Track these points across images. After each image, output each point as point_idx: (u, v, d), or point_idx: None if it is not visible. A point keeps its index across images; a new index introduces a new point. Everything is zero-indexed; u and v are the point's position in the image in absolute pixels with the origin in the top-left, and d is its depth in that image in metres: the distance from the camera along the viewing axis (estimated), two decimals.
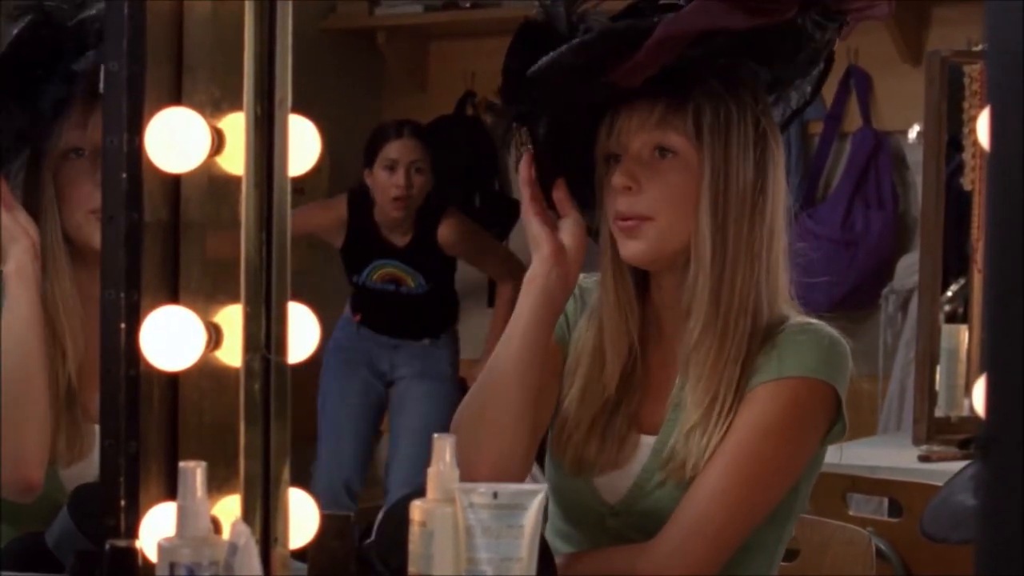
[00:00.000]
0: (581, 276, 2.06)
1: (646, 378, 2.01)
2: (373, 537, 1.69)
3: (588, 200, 2.01)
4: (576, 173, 1.99)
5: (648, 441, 1.97)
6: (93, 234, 2.03)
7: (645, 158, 1.93)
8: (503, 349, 1.95)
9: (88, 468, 2.04)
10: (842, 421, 1.94)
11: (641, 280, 2.01)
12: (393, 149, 4.70)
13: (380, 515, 1.70)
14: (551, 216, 1.98)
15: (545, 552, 1.60)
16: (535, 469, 2.20)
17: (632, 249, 1.94)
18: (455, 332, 5.01)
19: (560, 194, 1.97)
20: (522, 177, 1.97)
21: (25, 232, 1.99)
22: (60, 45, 1.99)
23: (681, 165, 1.92)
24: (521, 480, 1.94)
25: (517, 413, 1.93)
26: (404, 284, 4.81)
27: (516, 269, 5.07)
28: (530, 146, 1.97)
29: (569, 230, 1.97)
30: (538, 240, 1.96)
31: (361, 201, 4.79)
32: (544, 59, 1.87)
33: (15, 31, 1.95)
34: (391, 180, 4.68)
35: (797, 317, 1.96)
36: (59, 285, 2.06)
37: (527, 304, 1.95)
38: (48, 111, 2.03)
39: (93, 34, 1.96)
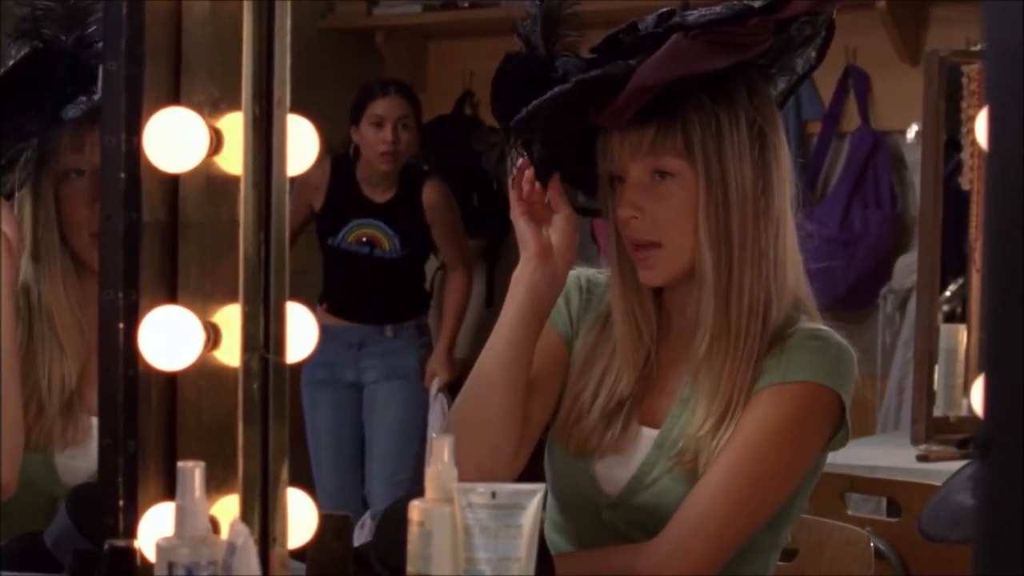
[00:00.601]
0: (592, 271, 2.07)
1: (654, 372, 2.02)
2: (372, 537, 1.69)
3: (588, 186, 2.03)
4: (573, 166, 2.00)
5: (650, 434, 1.98)
6: (95, 256, 2.05)
7: (646, 183, 1.94)
8: (490, 346, 1.98)
9: (83, 456, 2.05)
10: (845, 428, 1.95)
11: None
12: (380, 106, 4.77)
13: (379, 515, 1.70)
14: (544, 213, 1.99)
15: (543, 552, 1.60)
16: None
17: (648, 277, 1.97)
18: (423, 327, 4.97)
19: (554, 190, 1.98)
20: (512, 180, 1.99)
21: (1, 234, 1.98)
22: (57, 72, 2.00)
23: (680, 185, 1.93)
24: (509, 478, 1.95)
25: (503, 409, 1.94)
26: (379, 246, 4.78)
27: (470, 259, 5.07)
28: (524, 154, 1.98)
29: (559, 227, 1.98)
30: (524, 239, 1.98)
31: (343, 163, 4.81)
32: (524, 111, 1.91)
33: (12, 62, 1.97)
34: (379, 136, 4.73)
35: (808, 323, 1.96)
36: (55, 287, 2.07)
37: (514, 303, 1.97)
38: (48, 130, 2.05)
39: (92, 58, 1.97)
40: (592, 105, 1.91)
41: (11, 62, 1.99)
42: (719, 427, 1.92)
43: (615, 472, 1.99)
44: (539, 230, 1.97)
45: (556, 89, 1.89)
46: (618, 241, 1.98)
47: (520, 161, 1.98)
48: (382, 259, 4.80)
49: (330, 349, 4.80)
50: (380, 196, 4.79)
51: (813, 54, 2.00)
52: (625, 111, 1.89)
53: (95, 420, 2.03)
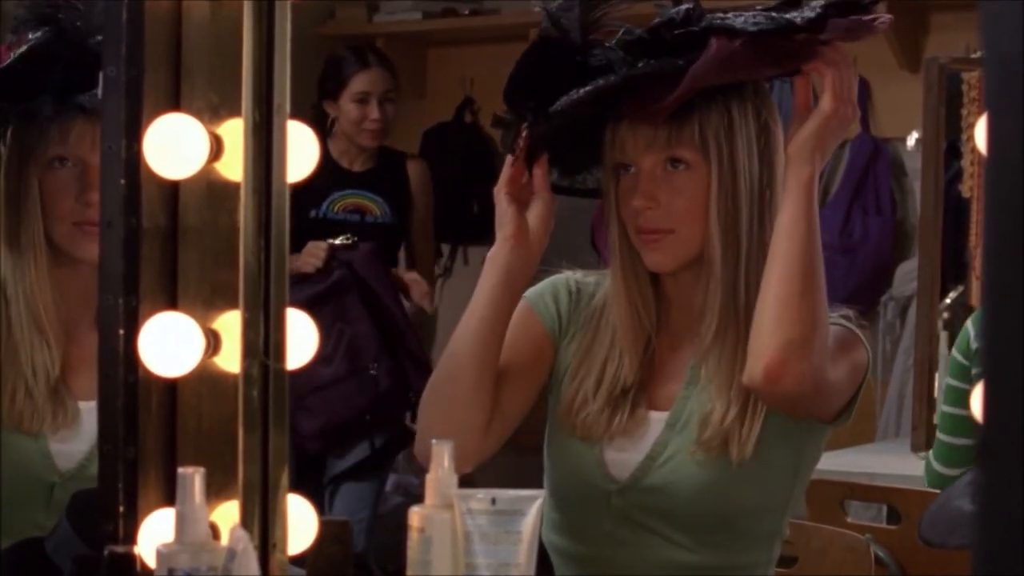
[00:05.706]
0: (580, 274, 2.08)
1: (655, 360, 2.02)
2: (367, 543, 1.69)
3: (563, 165, 2.04)
4: (564, 149, 2.02)
5: (659, 416, 1.99)
6: (78, 245, 2.06)
7: (659, 174, 1.95)
8: (463, 325, 1.99)
9: (75, 438, 2.06)
10: (850, 410, 1.97)
11: (653, 273, 2.02)
12: (362, 81, 4.51)
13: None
14: (527, 196, 2.00)
15: (543, 558, 1.60)
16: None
17: (656, 260, 1.97)
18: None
19: (539, 171, 2.00)
20: (514, 157, 1.98)
21: None
22: (69, 62, 2.00)
23: (694, 175, 1.95)
24: (476, 455, 1.96)
25: (471, 386, 1.96)
26: (370, 213, 4.53)
27: (432, 266, 4.90)
28: (525, 131, 1.98)
29: (537, 211, 2.00)
30: (503, 219, 2.00)
31: None
32: (564, 100, 1.91)
33: (27, 46, 1.98)
34: (363, 112, 4.48)
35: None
36: (39, 277, 2.07)
37: (487, 283, 1.99)
38: (41, 119, 2.05)
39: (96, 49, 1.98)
40: (632, 99, 1.92)
41: (25, 46, 2.00)
42: (745, 412, 1.93)
43: (625, 455, 1.99)
44: (520, 212, 1.99)
45: (602, 80, 1.90)
46: (620, 229, 1.99)
47: (521, 140, 1.98)
48: (375, 224, 4.53)
49: None
50: (358, 166, 4.55)
51: None
52: (670, 108, 1.90)
53: (83, 404, 2.05)
